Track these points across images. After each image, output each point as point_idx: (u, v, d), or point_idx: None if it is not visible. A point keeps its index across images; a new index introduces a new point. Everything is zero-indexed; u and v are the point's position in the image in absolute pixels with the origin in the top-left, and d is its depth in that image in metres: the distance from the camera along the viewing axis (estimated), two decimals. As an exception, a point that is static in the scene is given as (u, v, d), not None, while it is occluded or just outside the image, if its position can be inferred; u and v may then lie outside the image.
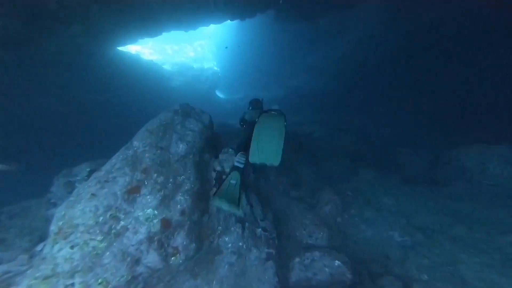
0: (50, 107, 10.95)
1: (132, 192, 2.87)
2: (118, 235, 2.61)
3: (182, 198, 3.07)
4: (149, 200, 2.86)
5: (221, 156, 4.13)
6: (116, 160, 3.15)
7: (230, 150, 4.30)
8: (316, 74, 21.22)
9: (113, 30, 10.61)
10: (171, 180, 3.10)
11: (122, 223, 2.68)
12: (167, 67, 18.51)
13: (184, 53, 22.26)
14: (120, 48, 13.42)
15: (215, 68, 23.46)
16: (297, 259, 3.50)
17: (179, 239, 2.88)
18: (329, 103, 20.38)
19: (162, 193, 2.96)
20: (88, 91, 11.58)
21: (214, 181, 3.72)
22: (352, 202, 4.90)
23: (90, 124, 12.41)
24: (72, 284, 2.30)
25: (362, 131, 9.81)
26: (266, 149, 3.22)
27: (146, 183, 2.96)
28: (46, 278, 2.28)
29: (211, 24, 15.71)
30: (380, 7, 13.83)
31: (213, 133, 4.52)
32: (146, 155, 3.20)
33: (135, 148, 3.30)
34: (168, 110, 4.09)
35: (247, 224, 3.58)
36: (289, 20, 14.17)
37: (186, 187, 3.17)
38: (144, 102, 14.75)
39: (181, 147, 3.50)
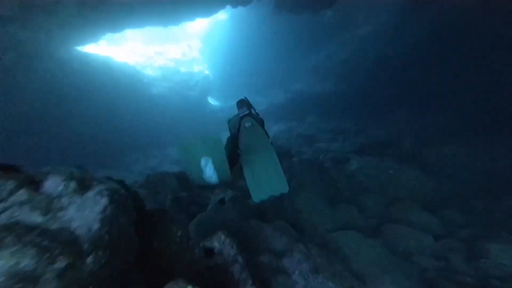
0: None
1: None
2: None
3: None
4: None
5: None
6: None
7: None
8: (321, 76, 18.69)
9: (65, 24, 7.92)
10: None
11: None
12: (148, 71, 15.82)
13: (169, 55, 19.55)
14: (79, 48, 10.65)
15: (206, 72, 20.79)
16: None
17: None
18: (337, 109, 17.71)
19: None
20: (29, 101, 8.74)
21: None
22: None
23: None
24: None
25: (414, 153, 6.68)
26: (265, 179, 2.72)
27: None
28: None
29: (197, 18, 13.03)
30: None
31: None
32: None
33: None
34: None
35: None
36: (291, 10, 11.54)
37: None
38: (115, 113, 11.91)
39: None
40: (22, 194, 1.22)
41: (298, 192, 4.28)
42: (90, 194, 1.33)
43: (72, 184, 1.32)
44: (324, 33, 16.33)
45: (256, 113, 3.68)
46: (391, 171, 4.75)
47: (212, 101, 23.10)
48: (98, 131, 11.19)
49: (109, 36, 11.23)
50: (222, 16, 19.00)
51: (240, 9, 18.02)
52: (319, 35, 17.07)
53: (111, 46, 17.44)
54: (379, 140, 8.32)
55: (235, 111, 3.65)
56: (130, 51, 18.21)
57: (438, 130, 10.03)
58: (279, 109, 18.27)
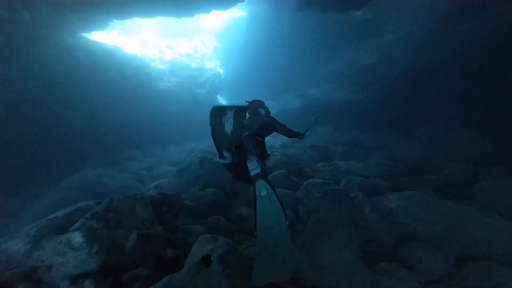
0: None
1: None
2: None
3: None
4: None
5: None
6: None
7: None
8: (339, 82, 17.34)
9: (66, 7, 7.15)
10: None
11: None
12: (157, 64, 14.99)
13: (181, 49, 18.71)
14: (86, 35, 9.90)
15: (218, 70, 19.83)
16: None
17: None
18: (353, 120, 16.31)
19: None
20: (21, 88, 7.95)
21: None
22: None
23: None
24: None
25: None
26: (273, 260, 2.07)
27: None
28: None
29: (213, 11, 12.05)
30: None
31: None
32: None
33: None
34: None
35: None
36: (317, 5, 10.33)
37: None
38: (116, 106, 11.05)
39: None
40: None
41: (318, 238, 3.07)
42: None
43: None
44: (348, 36, 15.03)
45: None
46: (447, 211, 3.45)
47: (222, 100, 22.16)
48: (94, 124, 10.33)
49: (116, 23, 10.40)
50: (240, 12, 18.02)
51: (260, 6, 17.01)
52: (343, 38, 15.76)
53: (124, 36, 16.83)
54: (412, 163, 6.95)
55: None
56: (142, 42, 17.51)
57: (483, 152, 8.53)
58: (290, 115, 17.01)
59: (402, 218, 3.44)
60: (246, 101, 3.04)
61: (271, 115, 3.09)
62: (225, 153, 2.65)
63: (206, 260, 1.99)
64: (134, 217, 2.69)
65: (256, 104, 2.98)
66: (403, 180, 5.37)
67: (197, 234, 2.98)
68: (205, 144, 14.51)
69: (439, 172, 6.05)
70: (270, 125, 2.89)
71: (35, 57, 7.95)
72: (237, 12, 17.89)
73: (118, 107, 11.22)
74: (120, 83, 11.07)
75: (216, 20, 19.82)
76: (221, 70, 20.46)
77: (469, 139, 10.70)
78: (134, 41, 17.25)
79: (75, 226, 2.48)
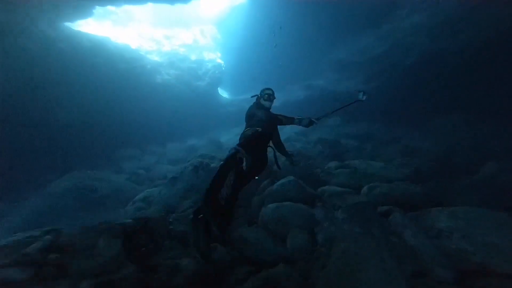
0: None
1: None
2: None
3: None
4: None
5: None
6: None
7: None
8: (348, 72, 16.25)
9: None
10: None
11: None
12: (153, 56, 14.06)
13: (179, 40, 17.54)
14: (71, 26, 9.03)
15: (219, 61, 18.75)
16: None
17: None
18: (363, 111, 15.22)
19: None
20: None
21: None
22: None
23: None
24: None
25: None
26: None
27: None
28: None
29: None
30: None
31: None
32: None
33: None
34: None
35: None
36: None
37: None
38: (109, 102, 10.28)
39: None
40: None
41: (347, 277, 2.26)
42: None
43: None
44: (357, 22, 13.85)
45: None
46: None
47: (223, 93, 21.12)
48: (86, 122, 9.60)
49: (107, 12, 9.47)
50: (242, 0, 16.80)
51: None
52: (351, 24, 14.57)
53: (116, 26, 15.86)
54: (438, 161, 6.04)
55: (243, 104, 2.31)
56: (136, 33, 16.51)
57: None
58: (295, 107, 16.04)
59: (460, 242, 2.61)
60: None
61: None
62: None
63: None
64: (91, 256, 1.92)
65: None
66: (436, 185, 4.50)
67: (187, 272, 2.21)
68: (206, 140, 13.75)
69: (475, 172, 5.14)
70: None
71: (12, 50, 7.16)
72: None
73: (111, 102, 10.44)
74: (112, 77, 10.24)
75: (214, 8, 18.64)
76: (221, 61, 19.39)
77: (494, 132, 9.64)
78: (127, 32, 16.29)
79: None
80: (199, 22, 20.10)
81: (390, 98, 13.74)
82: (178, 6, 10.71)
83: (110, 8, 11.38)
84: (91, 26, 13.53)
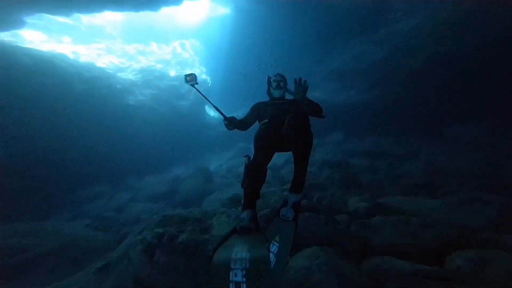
0: None
1: None
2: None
3: None
4: None
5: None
6: None
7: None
8: (346, 81, 14.98)
9: None
10: None
11: None
12: (126, 74, 12.07)
13: (155, 56, 15.59)
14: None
15: (204, 76, 17.00)
16: None
17: None
18: (369, 124, 13.78)
19: None
20: None
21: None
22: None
23: None
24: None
25: None
26: None
27: None
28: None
29: (185, 0, 9.32)
30: None
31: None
32: None
33: None
34: None
35: None
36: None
37: None
38: (64, 134, 8.10)
39: None
40: None
41: None
42: None
43: None
44: (347, 28, 12.72)
45: None
46: None
47: (211, 111, 19.29)
48: (29, 158, 7.34)
49: (37, 19, 7.52)
50: (223, 9, 15.45)
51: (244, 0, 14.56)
52: (345, 29, 13.41)
53: (79, 44, 13.89)
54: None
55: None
56: (103, 49, 14.50)
57: None
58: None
59: None
60: None
61: None
62: None
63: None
64: None
65: None
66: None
67: None
68: (193, 169, 11.67)
69: None
70: None
71: None
72: (219, 9, 15.32)
73: (67, 131, 8.26)
74: (68, 100, 8.13)
75: (194, 20, 17.11)
76: (206, 77, 17.68)
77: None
78: (93, 49, 14.25)
79: None
80: (179, 35, 18.47)
81: (397, 106, 12.37)
82: (151, 19, 9.07)
83: (68, 21, 9.59)
84: (50, 44, 11.49)
